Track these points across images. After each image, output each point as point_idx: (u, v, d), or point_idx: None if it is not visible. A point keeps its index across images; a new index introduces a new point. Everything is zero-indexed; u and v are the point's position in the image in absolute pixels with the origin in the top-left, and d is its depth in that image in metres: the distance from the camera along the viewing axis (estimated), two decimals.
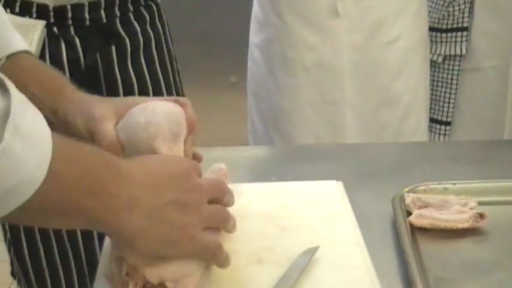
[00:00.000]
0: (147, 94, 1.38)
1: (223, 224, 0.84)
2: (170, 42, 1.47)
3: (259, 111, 1.76)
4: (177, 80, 1.47)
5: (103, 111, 0.88)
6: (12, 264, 1.41)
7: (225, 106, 2.62)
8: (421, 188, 1.04)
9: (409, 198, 1.00)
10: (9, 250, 1.38)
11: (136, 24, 1.38)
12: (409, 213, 0.99)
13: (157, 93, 1.40)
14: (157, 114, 0.86)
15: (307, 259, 0.87)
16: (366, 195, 1.07)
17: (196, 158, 0.94)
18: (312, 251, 0.88)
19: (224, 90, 2.87)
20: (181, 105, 0.90)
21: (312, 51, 1.62)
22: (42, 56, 1.30)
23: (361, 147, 1.33)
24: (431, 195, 1.02)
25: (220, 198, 0.84)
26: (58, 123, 0.93)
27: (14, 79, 0.88)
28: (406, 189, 1.03)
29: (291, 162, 1.20)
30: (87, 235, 1.34)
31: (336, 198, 1.04)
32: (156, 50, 1.41)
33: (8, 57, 0.93)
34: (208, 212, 0.81)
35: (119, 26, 1.35)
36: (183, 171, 0.80)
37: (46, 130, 0.67)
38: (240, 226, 0.95)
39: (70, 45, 1.31)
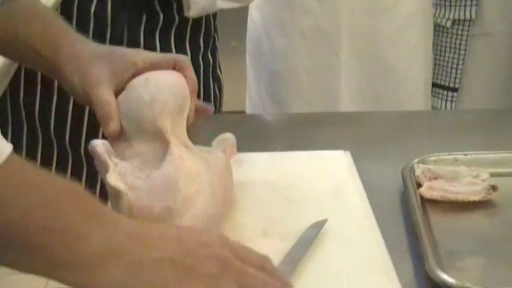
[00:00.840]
0: None
1: None
2: (212, 18, 1.39)
3: (255, 74, 1.74)
4: (209, 58, 1.39)
5: (99, 73, 0.83)
6: None
7: (225, 70, 2.57)
8: (432, 158, 1.01)
9: (419, 169, 0.97)
10: None
11: (174, 2, 1.29)
12: (419, 185, 0.96)
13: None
14: (161, 89, 0.81)
15: (315, 233, 0.84)
16: (373, 166, 1.05)
17: (204, 109, 0.89)
18: (320, 224, 0.85)
19: (225, 54, 2.82)
20: (182, 68, 0.86)
21: (309, 15, 1.60)
22: (69, 5, 1.22)
23: (366, 116, 1.31)
24: (442, 166, 0.99)
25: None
26: (59, 80, 0.90)
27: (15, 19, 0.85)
28: (416, 160, 1.00)
29: (295, 130, 1.17)
30: None
31: (343, 168, 1.01)
32: (190, 28, 1.34)
33: None
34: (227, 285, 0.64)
35: (156, 1, 1.28)
36: (200, 239, 0.66)
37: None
38: (244, 197, 0.93)
39: (101, 2, 1.24)
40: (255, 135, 1.16)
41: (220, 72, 1.48)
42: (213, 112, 0.95)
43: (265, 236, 0.86)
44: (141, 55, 0.87)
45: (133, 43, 1.26)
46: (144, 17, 1.27)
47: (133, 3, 1.27)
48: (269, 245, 0.83)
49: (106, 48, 0.88)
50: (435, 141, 1.11)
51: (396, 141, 1.13)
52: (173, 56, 0.88)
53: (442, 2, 1.74)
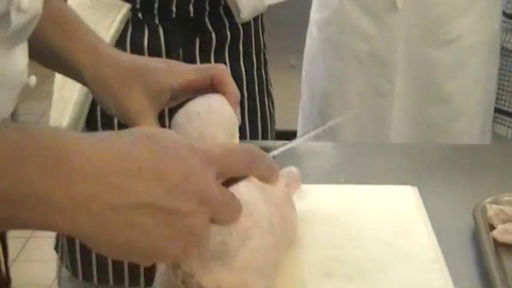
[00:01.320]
0: None
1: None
2: (261, 34, 1.39)
3: (309, 92, 1.72)
4: (262, 73, 1.39)
5: (137, 104, 0.80)
6: (57, 238, 1.36)
7: (283, 88, 2.55)
8: (505, 198, 0.96)
9: (491, 210, 0.92)
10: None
11: (225, 19, 1.30)
12: (492, 226, 0.91)
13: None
14: (207, 122, 0.77)
15: None
16: (441, 202, 1.00)
17: None
18: None
19: (283, 72, 2.80)
20: (220, 83, 0.81)
21: (366, 41, 1.57)
22: (123, 40, 1.24)
23: (431, 148, 1.25)
24: None
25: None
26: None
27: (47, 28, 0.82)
28: (489, 200, 0.95)
29: (359, 161, 1.12)
30: None
31: (410, 205, 0.96)
32: (243, 44, 1.33)
33: None
34: (199, 230, 0.62)
35: (206, 20, 1.27)
36: (184, 167, 0.60)
37: None
38: (307, 232, 0.89)
39: (153, 34, 1.25)
40: (317, 165, 1.12)
41: (272, 89, 1.47)
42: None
43: (328, 277, 0.82)
44: (175, 75, 0.82)
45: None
46: (198, 39, 1.26)
47: (185, 27, 1.26)
48: (333, 287, 0.80)
49: (135, 66, 0.83)
50: (507, 178, 1.05)
51: (465, 176, 1.08)
52: (209, 69, 0.82)
53: (510, 27, 1.68)
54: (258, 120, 1.39)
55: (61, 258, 1.34)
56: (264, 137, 1.40)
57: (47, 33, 0.83)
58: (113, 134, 0.61)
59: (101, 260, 1.28)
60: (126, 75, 0.82)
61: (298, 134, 1.80)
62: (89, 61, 0.83)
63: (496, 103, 1.72)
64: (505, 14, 1.69)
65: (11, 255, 2.65)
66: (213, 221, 0.64)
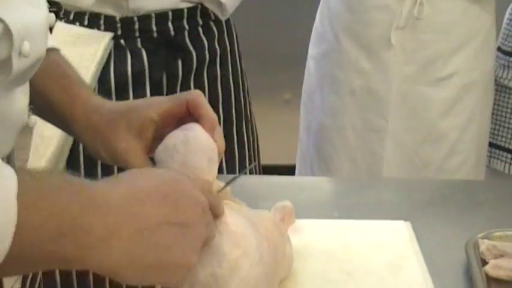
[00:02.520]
0: None
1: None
2: (238, 59, 1.42)
3: (306, 125, 1.73)
4: (240, 99, 1.42)
5: (124, 142, 0.82)
6: None
7: (277, 123, 2.57)
8: (497, 234, 0.97)
9: (483, 245, 0.93)
10: None
11: (204, 39, 1.33)
12: (484, 261, 0.92)
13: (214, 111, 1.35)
14: (188, 154, 0.78)
15: None
16: (434, 237, 1.01)
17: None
18: None
19: (278, 107, 2.82)
20: (195, 107, 0.82)
21: (361, 76, 1.58)
22: (107, 68, 1.27)
23: (424, 183, 1.26)
24: (508, 243, 0.94)
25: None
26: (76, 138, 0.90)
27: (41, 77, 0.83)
28: (481, 235, 0.96)
29: (352, 196, 1.13)
30: None
31: (404, 240, 0.97)
32: (220, 67, 1.37)
33: None
34: (205, 231, 0.70)
35: (187, 39, 1.31)
36: (177, 186, 0.69)
37: (9, 187, 0.59)
38: (301, 267, 0.90)
39: (136, 57, 1.28)
40: (311, 199, 1.13)
41: (253, 117, 1.49)
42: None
43: None
44: (153, 107, 0.84)
45: (171, 87, 1.30)
46: (180, 59, 1.29)
47: (167, 47, 1.29)
48: None
49: (118, 108, 0.86)
50: (500, 214, 1.06)
51: (458, 212, 1.09)
52: (184, 95, 0.84)
53: (506, 63, 1.70)
54: (234, 145, 1.40)
55: None
56: (241, 164, 1.41)
57: (43, 85, 0.86)
58: (121, 176, 0.70)
59: None
60: (110, 117, 0.85)
61: (297, 167, 1.81)
62: (81, 114, 0.86)
63: (493, 138, 1.73)
64: (500, 50, 1.71)
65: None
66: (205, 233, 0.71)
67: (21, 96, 0.77)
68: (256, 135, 1.51)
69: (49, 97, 0.87)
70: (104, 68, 1.27)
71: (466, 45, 1.56)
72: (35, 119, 0.81)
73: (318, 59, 1.68)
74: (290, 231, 0.92)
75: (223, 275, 0.72)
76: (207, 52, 1.34)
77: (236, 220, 0.76)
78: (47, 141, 1.27)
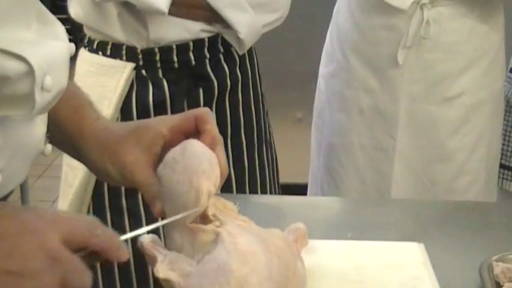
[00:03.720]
0: (225, 138, 1.33)
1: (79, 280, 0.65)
2: (259, 83, 1.43)
3: (317, 142, 1.74)
4: (261, 122, 1.42)
5: (134, 158, 0.83)
6: None
7: (289, 141, 2.56)
8: (511, 256, 0.96)
9: (498, 267, 0.93)
10: None
11: (226, 67, 1.34)
12: (498, 284, 0.91)
13: (236, 137, 1.35)
14: (188, 168, 0.78)
15: None
16: (448, 259, 1.00)
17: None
18: None
19: (289, 125, 2.82)
20: (202, 122, 0.83)
21: (369, 95, 1.59)
22: (129, 98, 1.28)
23: (437, 204, 1.26)
24: None
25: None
26: (81, 160, 0.89)
27: None
28: (495, 258, 0.95)
29: (365, 216, 1.13)
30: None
31: (417, 262, 0.97)
32: (241, 93, 1.37)
33: None
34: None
35: (208, 68, 1.32)
36: (24, 235, 0.62)
37: None
38: (315, 287, 0.89)
39: (158, 88, 1.29)
40: (324, 220, 1.12)
41: (273, 140, 1.49)
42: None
43: None
44: (164, 123, 0.85)
45: None
46: (201, 88, 1.30)
47: (188, 76, 1.29)
48: None
49: (128, 126, 0.88)
50: None
51: (471, 233, 1.08)
52: (193, 111, 0.86)
53: None
54: (256, 170, 1.41)
55: None
56: (263, 186, 1.41)
57: (55, 109, 0.86)
58: None
59: None
60: (120, 133, 0.86)
61: (309, 187, 1.81)
62: (90, 132, 0.87)
63: (503, 159, 1.72)
64: (511, 70, 1.71)
65: None
66: (63, 285, 0.64)
67: (40, 125, 0.77)
68: (276, 157, 1.51)
69: (58, 117, 0.87)
70: (126, 98, 1.29)
71: (474, 65, 1.55)
72: (50, 146, 0.81)
73: (327, 78, 1.69)
74: (303, 251, 0.92)
75: None
76: (228, 79, 1.34)
77: (245, 239, 0.76)
78: (75, 170, 1.28)
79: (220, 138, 0.83)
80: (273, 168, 1.48)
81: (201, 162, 0.77)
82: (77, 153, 0.90)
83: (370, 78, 1.57)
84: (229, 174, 1.35)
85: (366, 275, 0.93)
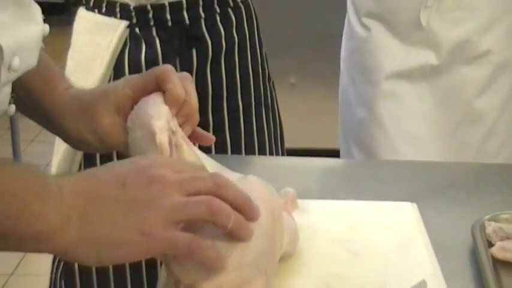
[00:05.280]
0: (221, 100, 1.33)
1: (209, 216, 0.69)
2: (258, 47, 1.41)
3: (343, 126, 1.70)
4: (260, 85, 1.40)
5: (109, 118, 0.86)
6: (51, 279, 1.36)
7: (282, 107, 2.56)
8: (504, 216, 0.96)
9: (490, 227, 0.93)
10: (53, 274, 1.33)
11: (221, 28, 1.32)
12: (490, 243, 0.91)
13: (232, 100, 1.34)
14: (142, 119, 0.82)
15: None
16: (441, 220, 1.00)
17: (203, 136, 0.88)
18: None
19: (283, 91, 2.81)
20: (163, 82, 0.84)
21: (393, 59, 1.55)
22: (121, 56, 1.27)
23: (437, 167, 1.25)
24: None
25: (212, 191, 0.70)
26: (54, 131, 0.92)
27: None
28: (487, 217, 0.95)
29: (361, 178, 1.13)
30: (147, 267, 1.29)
31: (410, 222, 0.97)
32: (238, 55, 1.35)
33: None
34: (174, 204, 0.68)
35: (203, 28, 1.30)
36: (135, 168, 0.69)
37: None
38: (307, 247, 0.90)
39: (150, 47, 1.28)
40: (318, 181, 1.12)
41: (277, 106, 1.48)
42: (213, 140, 0.92)
43: None
44: (128, 84, 0.87)
45: None
46: (194, 48, 1.29)
47: (181, 35, 1.28)
48: None
49: (96, 90, 0.90)
50: (508, 197, 1.06)
51: (466, 195, 1.08)
52: (154, 71, 0.87)
53: None
54: (253, 134, 1.40)
55: None
56: (261, 152, 1.41)
57: (26, 77, 0.87)
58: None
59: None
60: (88, 98, 0.89)
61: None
62: (60, 102, 0.90)
63: None
64: None
65: (8, 269, 2.65)
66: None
67: (5, 87, 0.78)
68: (280, 122, 1.49)
69: (31, 88, 0.90)
70: (118, 56, 1.28)
71: (497, 22, 1.52)
72: (14, 107, 0.83)
73: (347, 56, 1.65)
74: (296, 211, 0.92)
75: (225, 245, 0.72)
76: (223, 41, 1.32)
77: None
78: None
79: (181, 95, 0.83)
80: (275, 134, 1.46)
81: (147, 110, 0.81)
82: (51, 125, 0.92)
83: (392, 43, 1.54)
84: (225, 138, 1.35)
85: (358, 235, 0.93)
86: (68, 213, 0.66)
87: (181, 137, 0.81)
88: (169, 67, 0.86)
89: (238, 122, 1.36)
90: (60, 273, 1.31)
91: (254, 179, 0.81)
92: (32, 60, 0.77)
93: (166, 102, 0.83)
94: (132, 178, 0.68)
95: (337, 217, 0.97)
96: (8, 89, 0.80)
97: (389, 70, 1.55)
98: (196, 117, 0.87)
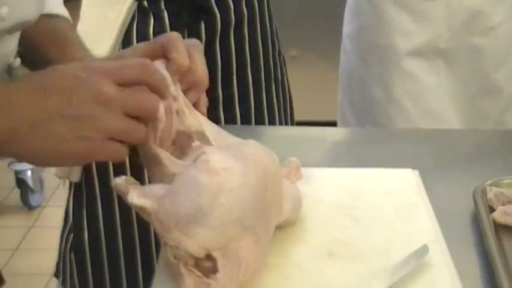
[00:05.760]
0: (231, 75, 1.32)
1: (147, 115, 0.75)
2: (268, 21, 1.39)
3: (351, 105, 1.67)
4: (270, 60, 1.39)
5: None
6: (57, 264, 1.37)
7: None
8: (505, 181, 0.96)
9: (491, 192, 0.93)
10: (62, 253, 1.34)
11: (230, 1, 1.31)
12: (492, 209, 0.92)
13: (242, 75, 1.34)
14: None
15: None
16: (443, 186, 1.01)
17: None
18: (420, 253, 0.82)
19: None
20: (167, 50, 0.83)
21: (407, 37, 1.53)
22: (129, 30, 1.27)
23: (439, 134, 1.25)
24: None
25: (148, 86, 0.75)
26: None
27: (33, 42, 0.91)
28: (489, 183, 0.96)
29: (363, 145, 1.13)
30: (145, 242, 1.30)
31: (412, 188, 0.97)
32: (248, 29, 1.34)
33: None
34: (115, 125, 0.73)
35: (212, 1, 1.29)
36: (79, 83, 0.72)
37: None
38: (309, 214, 0.90)
39: (158, 20, 1.27)
40: (321, 150, 1.13)
41: (287, 80, 1.47)
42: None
43: (330, 257, 0.83)
44: (137, 52, 0.87)
45: None
46: (203, 22, 1.28)
47: (190, 9, 1.27)
48: (335, 267, 0.81)
49: (106, 59, 0.92)
50: (509, 163, 1.06)
51: (468, 161, 1.08)
52: (161, 39, 0.86)
53: None
54: (263, 109, 1.39)
55: (62, 283, 1.35)
56: (272, 124, 1.40)
57: (44, 46, 0.93)
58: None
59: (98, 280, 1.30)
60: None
61: None
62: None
63: None
64: None
65: (13, 244, 2.66)
66: (129, 115, 0.73)
67: (11, 38, 0.79)
68: (290, 96, 1.49)
69: (48, 56, 0.92)
70: (127, 30, 1.27)
71: None
72: (19, 60, 0.84)
73: (354, 35, 1.62)
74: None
75: (206, 203, 0.72)
76: (233, 14, 1.31)
77: (218, 156, 0.75)
78: None
79: (185, 64, 0.83)
80: (285, 109, 1.46)
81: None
82: None
83: (404, 19, 1.52)
84: (235, 113, 1.35)
85: (360, 201, 0.94)
86: (16, 125, 0.71)
87: (184, 103, 0.81)
88: (175, 35, 0.85)
89: (249, 97, 1.36)
90: (70, 246, 1.32)
91: (253, 143, 0.81)
92: (26, 12, 0.78)
93: (168, 70, 0.82)
94: (78, 93, 0.71)
95: (340, 184, 0.98)
96: (13, 42, 0.81)
97: (405, 49, 1.53)
98: (204, 85, 0.85)
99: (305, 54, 2.07)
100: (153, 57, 0.84)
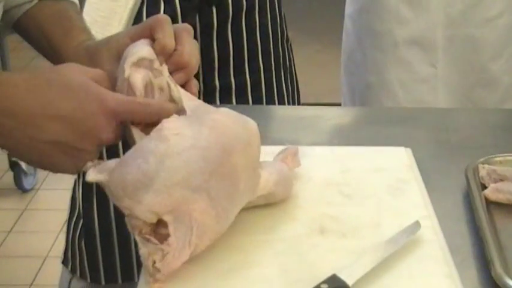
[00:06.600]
0: (242, 62, 1.32)
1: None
2: (277, 6, 1.38)
3: (349, 85, 1.67)
4: (279, 47, 1.38)
5: (110, 65, 0.87)
6: (65, 252, 1.36)
7: None
8: (497, 159, 0.97)
9: (483, 170, 0.93)
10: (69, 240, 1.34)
11: None
12: (484, 186, 0.92)
13: (253, 62, 1.33)
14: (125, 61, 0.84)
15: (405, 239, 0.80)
16: (435, 164, 1.01)
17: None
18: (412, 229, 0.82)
19: None
20: (154, 31, 0.84)
21: (404, 25, 1.52)
22: (139, 14, 1.24)
23: (431, 112, 1.25)
24: (508, 167, 0.94)
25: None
26: None
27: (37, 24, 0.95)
28: (481, 160, 0.96)
29: (357, 124, 1.13)
30: None
31: (404, 165, 0.97)
32: (258, 15, 1.33)
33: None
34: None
35: None
36: (86, 107, 0.77)
37: None
38: (301, 191, 0.90)
39: (169, 3, 1.25)
40: (313, 129, 1.12)
41: (294, 67, 1.46)
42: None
43: (322, 233, 0.83)
44: (128, 34, 0.89)
45: (205, 35, 1.26)
46: (214, 6, 1.27)
47: None
48: (327, 243, 0.81)
49: (101, 40, 0.93)
50: (501, 141, 1.06)
51: (460, 139, 1.08)
52: (150, 20, 0.87)
53: None
54: (274, 95, 1.39)
55: (71, 270, 1.34)
56: None
57: (48, 28, 0.96)
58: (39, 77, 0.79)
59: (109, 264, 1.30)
60: (93, 47, 0.92)
61: None
62: (73, 51, 0.93)
63: None
64: None
65: (6, 227, 2.66)
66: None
67: None
68: (297, 83, 1.48)
69: (51, 38, 0.94)
70: (137, 14, 1.25)
71: None
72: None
73: (354, 16, 1.61)
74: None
75: (151, 167, 0.72)
76: (244, 1, 1.31)
77: (172, 123, 0.75)
78: None
79: (170, 45, 0.84)
80: (293, 98, 1.45)
81: (125, 53, 0.84)
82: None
83: (403, 7, 1.51)
84: (247, 101, 1.34)
85: (352, 178, 0.94)
86: (11, 134, 0.76)
87: (171, 80, 0.81)
88: (163, 17, 0.86)
89: (260, 85, 1.35)
90: (79, 233, 1.31)
91: (223, 110, 0.79)
92: None
93: (155, 50, 0.83)
94: (86, 128, 0.77)
95: (331, 162, 0.97)
96: None
97: (401, 37, 1.52)
98: (191, 67, 0.86)
99: (299, 36, 2.06)
100: (145, 37, 0.86)
